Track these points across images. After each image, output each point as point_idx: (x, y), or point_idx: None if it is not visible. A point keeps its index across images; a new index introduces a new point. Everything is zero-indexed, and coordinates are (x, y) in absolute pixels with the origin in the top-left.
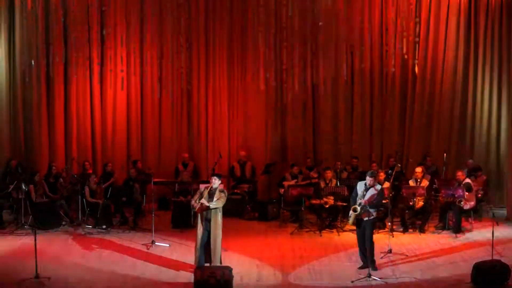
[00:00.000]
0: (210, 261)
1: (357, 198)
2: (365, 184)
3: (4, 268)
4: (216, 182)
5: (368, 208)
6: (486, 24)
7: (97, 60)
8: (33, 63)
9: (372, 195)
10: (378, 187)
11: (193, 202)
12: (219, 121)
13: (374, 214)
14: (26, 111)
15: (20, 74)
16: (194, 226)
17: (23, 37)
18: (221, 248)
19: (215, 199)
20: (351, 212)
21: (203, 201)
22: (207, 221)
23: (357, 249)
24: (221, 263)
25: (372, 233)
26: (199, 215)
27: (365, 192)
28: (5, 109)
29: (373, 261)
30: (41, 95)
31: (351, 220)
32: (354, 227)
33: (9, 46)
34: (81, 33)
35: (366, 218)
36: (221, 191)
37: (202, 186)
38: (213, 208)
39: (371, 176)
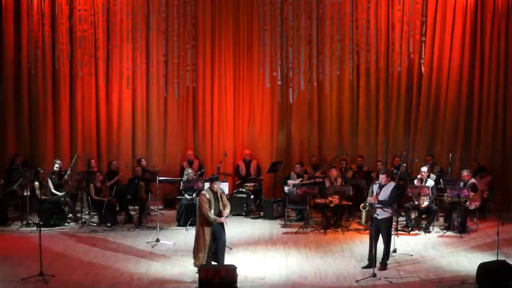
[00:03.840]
0: (218, 260)
1: (368, 196)
2: (379, 183)
3: (9, 265)
4: (219, 186)
5: (375, 205)
6: (492, 23)
7: (102, 58)
8: None
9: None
10: (392, 185)
11: (212, 217)
12: (224, 119)
13: (389, 212)
14: (31, 109)
15: (25, 71)
16: None
17: (29, 34)
18: (225, 247)
19: (223, 205)
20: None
21: (223, 220)
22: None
23: (361, 248)
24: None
25: (389, 232)
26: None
27: (378, 190)
28: (11, 107)
29: (386, 260)
30: (47, 93)
31: (363, 218)
32: (360, 226)
33: (14, 44)
34: (87, 31)
35: (380, 217)
36: (222, 192)
37: (205, 193)
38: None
39: (383, 174)
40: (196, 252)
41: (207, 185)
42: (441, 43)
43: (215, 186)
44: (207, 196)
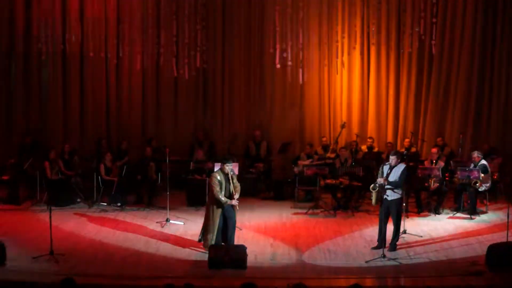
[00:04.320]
0: (228, 240)
1: (378, 177)
2: (390, 165)
3: (19, 244)
4: (230, 167)
5: (385, 186)
6: (504, 4)
7: (113, 38)
8: None
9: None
10: (402, 166)
11: (223, 199)
12: (235, 100)
13: (399, 193)
14: (42, 89)
15: (35, 51)
16: None
17: (40, 14)
18: (235, 227)
19: (233, 187)
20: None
21: (234, 202)
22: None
23: (371, 229)
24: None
25: (399, 213)
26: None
27: (388, 171)
28: (20, 86)
29: (396, 241)
30: (57, 73)
31: (373, 199)
32: (370, 207)
33: (25, 24)
34: (98, 10)
35: (390, 198)
36: (233, 174)
37: (216, 174)
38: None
39: (394, 155)
40: (205, 233)
41: (217, 166)
42: (452, 24)
43: (226, 167)
44: (218, 177)
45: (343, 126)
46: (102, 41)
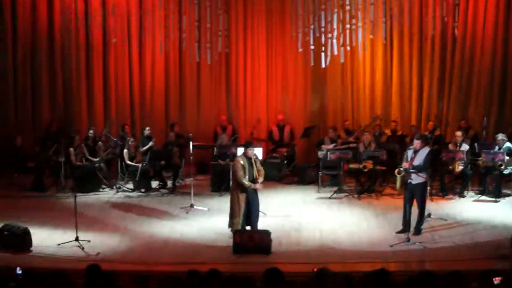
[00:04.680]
0: (252, 225)
1: (403, 161)
2: (414, 148)
3: (44, 231)
4: (254, 152)
5: (410, 170)
6: None
7: (135, 24)
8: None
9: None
10: (426, 150)
11: (247, 183)
12: (257, 84)
13: (424, 177)
14: (65, 76)
15: (59, 39)
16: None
17: (62, 3)
18: (259, 212)
19: (257, 171)
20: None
21: (258, 186)
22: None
23: (395, 213)
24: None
25: (423, 197)
26: (234, 182)
27: (413, 155)
28: (45, 74)
29: (421, 225)
30: (80, 60)
31: (398, 183)
32: (394, 191)
33: (48, 11)
34: None
35: (415, 182)
36: (256, 158)
37: (239, 159)
38: None
39: (418, 139)
40: (231, 217)
41: (240, 150)
42: (475, 6)
43: (249, 152)
44: (241, 162)
45: (375, 119)
46: (124, 28)
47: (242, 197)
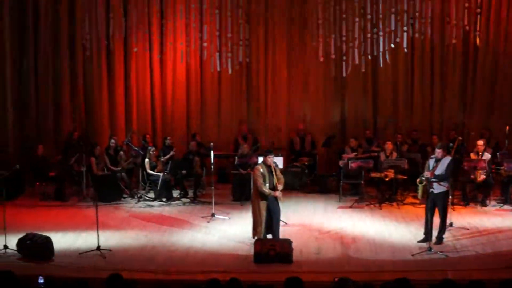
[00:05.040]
0: (273, 234)
1: (425, 171)
2: (436, 157)
3: (66, 240)
4: (273, 160)
5: (432, 179)
6: None
7: (157, 33)
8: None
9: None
10: (448, 159)
11: (267, 191)
12: (278, 94)
13: (445, 186)
14: (86, 85)
15: (80, 48)
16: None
17: (84, 10)
18: (280, 220)
19: (277, 178)
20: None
21: (278, 194)
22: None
23: (417, 222)
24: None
25: (445, 206)
26: (255, 191)
27: (434, 165)
28: (66, 83)
29: (442, 234)
30: (101, 69)
31: (419, 193)
32: (416, 200)
33: (69, 20)
34: (141, 6)
35: (436, 191)
36: (276, 166)
37: (259, 167)
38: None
39: (440, 148)
40: (254, 226)
41: (261, 159)
42: (496, 15)
43: (269, 160)
44: (261, 170)
45: (388, 124)
46: (145, 37)
47: (263, 205)
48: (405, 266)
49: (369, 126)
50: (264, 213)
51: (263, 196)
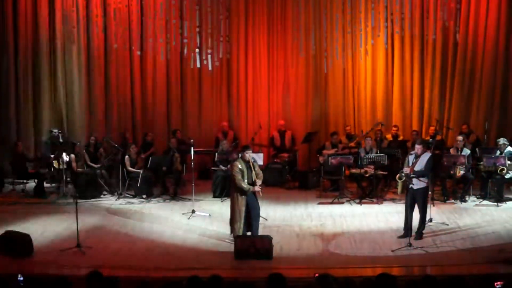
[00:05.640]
0: (251, 231)
1: (405, 166)
2: (415, 154)
3: (46, 237)
4: (251, 155)
5: (411, 175)
6: None
7: (136, 30)
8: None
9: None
10: (427, 155)
11: (246, 186)
12: (258, 90)
13: (425, 182)
14: (66, 82)
15: (60, 45)
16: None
17: (64, 8)
18: (259, 217)
19: (255, 174)
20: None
21: (257, 188)
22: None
23: (397, 218)
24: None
25: (425, 202)
26: (233, 187)
27: (414, 160)
28: (46, 80)
29: (422, 229)
30: (82, 65)
31: (399, 188)
32: (396, 196)
33: (49, 17)
34: (121, 3)
35: (416, 187)
36: (254, 161)
37: (237, 163)
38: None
39: (419, 144)
40: (232, 223)
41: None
42: (476, 11)
43: (247, 155)
44: (239, 166)
45: (377, 125)
46: (125, 33)
47: (242, 201)
48: (385, 262)
49: (350, 122)
50: (243, 210)
51: (242, 192)
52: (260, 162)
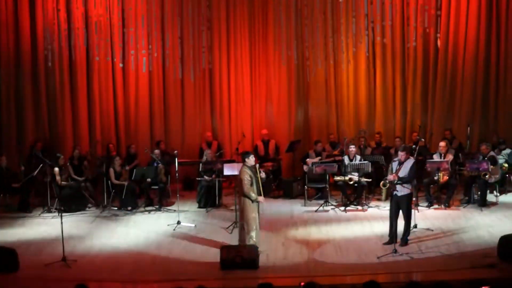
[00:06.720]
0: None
1: (388, 173)
2: (399, 160)
3: (31, 251)
4: (253, 160)
5: (395, 182)
6: None
7: (118, 42)
8: None
9: (403, 169)
10: (411, 161)
11: (253, 196)
12: (241, 100)
13: (409, 189)
14: (49, 95)
15: (42, 58)
16: (219, 206)
17: (45, 22)
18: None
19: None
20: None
21: (262, 200)
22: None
23: (382, 224)
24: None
25: (409, 208)
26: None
27: (398, 167)
28: (29, 93)
29: (407, 236)
30: (64, 79)
31: (383, 195)
32: (380, 203)
33: (31, 31)
34: (102, 16)
35: (400, 193)
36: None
37: (246, 170)
38: None
39: (403, 151)
40: (248, 232)
41: (226, 166)
42: (456, 17)
43: (251, 159)
44: (249, 173)
45: (360, 133)
46: (107, 46)
47: (254, 207)
48: (371, 269)
49: (333, 130)
50: (257, 216)
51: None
52: None
